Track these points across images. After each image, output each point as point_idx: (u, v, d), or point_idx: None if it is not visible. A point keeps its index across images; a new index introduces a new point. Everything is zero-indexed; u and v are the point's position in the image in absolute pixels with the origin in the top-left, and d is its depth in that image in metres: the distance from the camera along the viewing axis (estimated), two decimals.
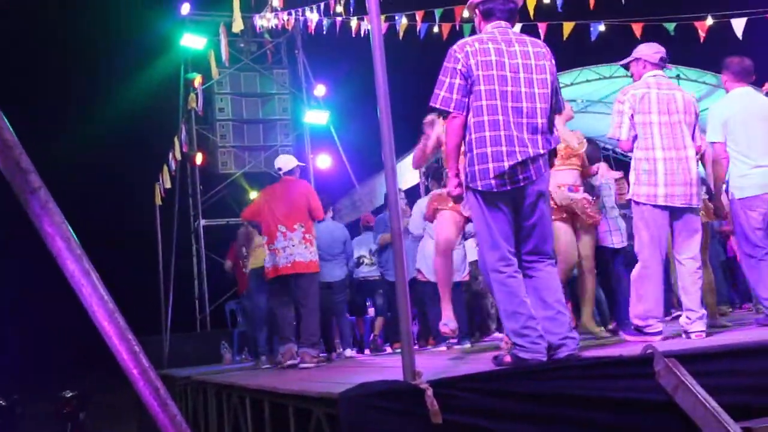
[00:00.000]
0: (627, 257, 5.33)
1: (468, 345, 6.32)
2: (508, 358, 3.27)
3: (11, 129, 1.56)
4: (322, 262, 7.21)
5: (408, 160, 14.07)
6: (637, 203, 4.07)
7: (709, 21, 8.50)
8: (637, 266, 4.08)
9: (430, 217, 5.29)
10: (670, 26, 8.56)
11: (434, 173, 6.74)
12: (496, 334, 7.33)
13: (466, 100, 3.30)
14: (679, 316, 4.13)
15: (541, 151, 3.28)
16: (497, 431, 2.65)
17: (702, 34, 8.40)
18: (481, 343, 7.02)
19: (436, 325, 6.63)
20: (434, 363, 4.33)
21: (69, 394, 11.42)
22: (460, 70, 3.28)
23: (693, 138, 4.12)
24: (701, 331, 3.88)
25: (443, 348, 6.33)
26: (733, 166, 4.49)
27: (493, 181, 3.21)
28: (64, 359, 15.00)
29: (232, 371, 7.35)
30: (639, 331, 3.99)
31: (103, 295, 1.63)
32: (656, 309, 4.00)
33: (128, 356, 1.68)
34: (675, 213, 4.06)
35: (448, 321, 5.06)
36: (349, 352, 7.24)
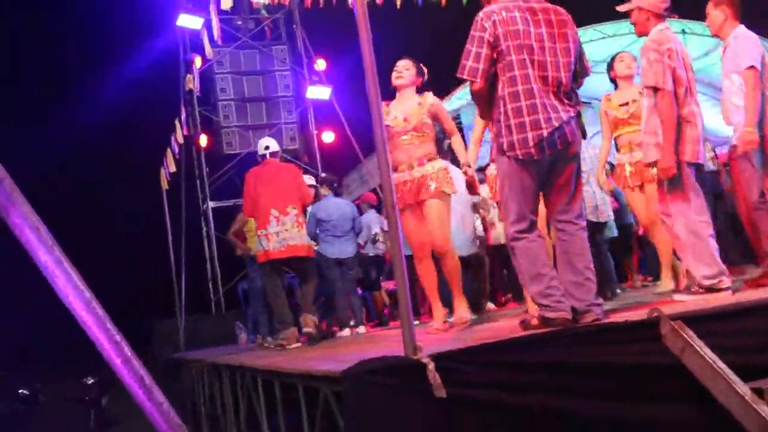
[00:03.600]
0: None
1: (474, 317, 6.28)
2: (535, 321, 3.37)
3: None
4: (333, 239, 7.19)
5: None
6: (690, 164, 3.83)
7: None
8: (686, 227, 3.79)
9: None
10: None
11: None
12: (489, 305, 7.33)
13: (493, 69, 3.35)
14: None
15: (573, 115, 3.36)
16: (502, 402, 2.62)
17: None
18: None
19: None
20: (436, 337, 4.29)
21: (90, 381, 11.52)
22: (487, 39, 3.32)
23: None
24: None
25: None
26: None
27: (533, 150, 3.29)
28: (84, 345, 15.14)
29: (242, 352, 7.40)
30: (711, 289, 3.72)
31: (78, 285, 1.58)
32: (720, 264, 3.78)
33: (110, 346, 1.64)
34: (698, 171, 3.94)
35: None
36: (362, 329, 7.22)
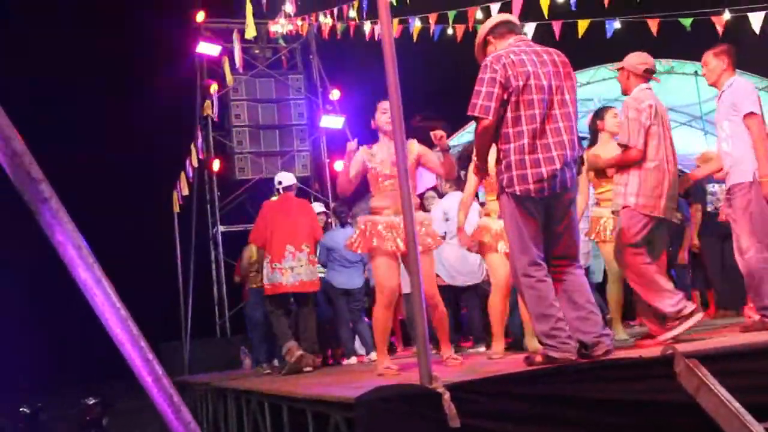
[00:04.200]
0: None
1: (482, 349, 6.28)
2: (539, 358, 3.37)
3: (20, 138, 1.57)
4: (342, 269, 7.24)
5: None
6: (642, 215, 4.02)
7: (727, 16, 8.39)
8: (637, 270, 4.01)
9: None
10: (687, 22, 8.47)
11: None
12: None
13: (503, 109, 3.41)
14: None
15: (575, 156, 3.44)
16: None
17: (719, 29, 8.29)
18: None
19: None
20: (451, 367, 4.30)
21: (92, 401, 11.48)
22: (499, 80, 3.38)
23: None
24: None
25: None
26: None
27: (531, 186, 3.34)
28: (88, 366, 15.11)
29: (248, 377, 7.40)
30: (682, 316, 3.90)
31: (115, 303, 1.62)
32: (676, 291, 3.99)
33: (142, 364, 1.67)
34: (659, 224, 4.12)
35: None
36: (373, 356, 7.21)
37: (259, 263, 7.66)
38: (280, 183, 6.76)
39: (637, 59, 4.26)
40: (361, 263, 7.41)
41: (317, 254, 7.25)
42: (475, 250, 5.07)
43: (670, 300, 3.94)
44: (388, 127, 4.48)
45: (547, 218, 3.43)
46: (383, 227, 4.45)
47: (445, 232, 6.36)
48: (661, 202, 4.02)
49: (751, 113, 4.21)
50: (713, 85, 4.55)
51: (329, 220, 7.76)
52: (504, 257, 4.67)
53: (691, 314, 3.88)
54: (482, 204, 6.45)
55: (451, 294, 6.74)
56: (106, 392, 11.91)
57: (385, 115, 4.57)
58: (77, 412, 11.43)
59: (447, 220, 6.41)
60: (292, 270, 6.24)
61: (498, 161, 3.49)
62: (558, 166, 3.34)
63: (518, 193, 3.35)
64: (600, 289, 6.58)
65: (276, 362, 7.67)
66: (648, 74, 4.24)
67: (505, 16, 3.77)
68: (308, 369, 6.13)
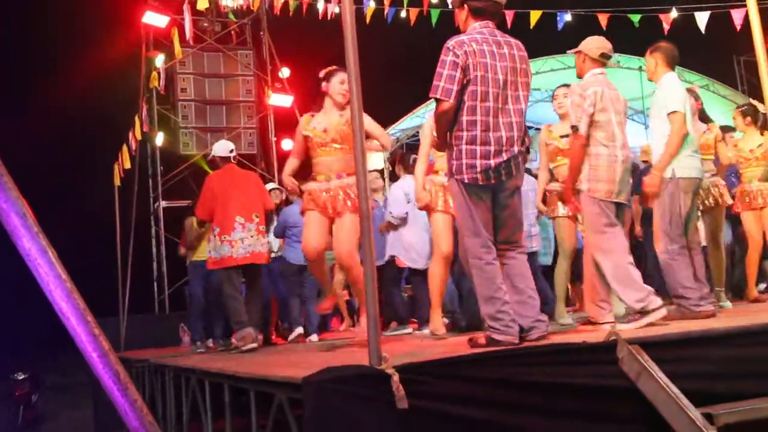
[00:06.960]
0: None
1: (427, 331, 6.33)
2: (482, 340, 3.48)
3: None
4: (298, 245, 7.15)
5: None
6: (597, 199, 4.09)
7: (674, 14, 8.62)
8: (611, 259, 4.05)
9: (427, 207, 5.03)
10: (635, 18, 8.67)
11: (401, 159, 6.68)
12: None
13: (460, 94, 3.47)
14: None
15: (522, 149, 3.55)
16: (463, 416, 2.65)
17: (666, 27, 8.51)
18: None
19: (399, 310, 6.67)
20: (401, 348, 4.32)
21: (21, 377, 11.15)
22: (459, 65, 3.44)
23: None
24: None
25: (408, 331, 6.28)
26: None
27: (479, 176, 3.45)
28: (16, 341, 14.65)
29: (185, 354, 7.29)
30: (645, 311, 3.96)
31: (60, 274, 1.55)
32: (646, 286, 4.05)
33: (88, 339, 1.61)
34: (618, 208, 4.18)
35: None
36: (314, 337, 7.19)
37: (200, 236, 7.52)
38: (232, 151, 6.61)
39: (594, 43, 4.33)
40: None
41: (272, 228, 7.16)
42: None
43: (636, 294, 3.97)
44: (341, 98, 4.61)
45: (493, 204, 3.55)
46: (316, 191, 4.62)
47: (407, 213, 6.33)
48: (614, 186, 4.09)
49: (675, 111, 4.39)
50: (651, 80, 4.77)
51: (291, 197, 7.68)
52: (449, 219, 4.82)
53: (655, 310, 3.92)
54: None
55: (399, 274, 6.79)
56: (35, 368, 11.58)
57: (342, 85, 4.60)
58: (6, 388, 11.08)
59: (409, 202, 6.40)
60: (242, 241, 6.08)
61: (450, 146, 3.55)
62: (505, 158, 3.46)
63: (466, 180, 3.47)
64: (546, 271, 6.72)
65: (210, 342, 7.58)
66: (603, 59, 4.31)
67: None
68: (252, 346, 5.98)
